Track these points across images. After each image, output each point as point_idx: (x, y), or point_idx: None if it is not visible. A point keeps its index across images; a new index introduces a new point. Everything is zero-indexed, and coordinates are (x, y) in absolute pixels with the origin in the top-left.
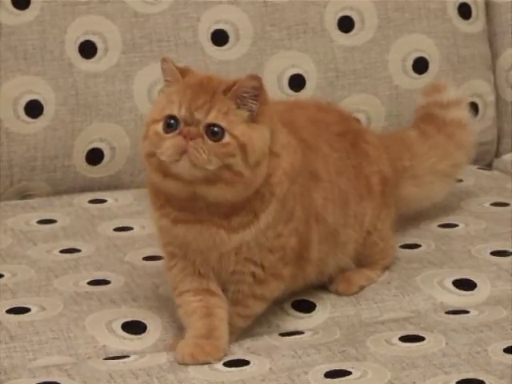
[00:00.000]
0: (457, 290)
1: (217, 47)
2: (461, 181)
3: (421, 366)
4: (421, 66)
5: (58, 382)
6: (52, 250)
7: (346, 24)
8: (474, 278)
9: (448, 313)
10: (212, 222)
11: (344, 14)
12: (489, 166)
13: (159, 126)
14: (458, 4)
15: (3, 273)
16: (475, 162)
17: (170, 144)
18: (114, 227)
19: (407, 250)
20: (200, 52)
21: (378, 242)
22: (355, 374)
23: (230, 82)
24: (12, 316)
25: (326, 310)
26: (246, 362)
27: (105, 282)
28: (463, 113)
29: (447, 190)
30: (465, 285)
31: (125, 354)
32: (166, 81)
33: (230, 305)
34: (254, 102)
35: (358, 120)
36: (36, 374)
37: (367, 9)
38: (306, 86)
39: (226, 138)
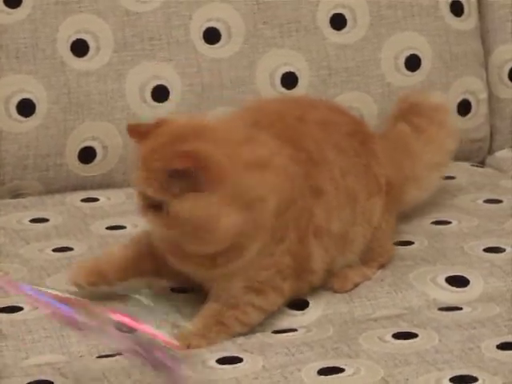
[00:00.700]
0: (450, 287)
1: (209, 45)
2: (453, 178)
3: (414, 363)
4: (413, 63)
5: (51, 380)
6: (44, 248)
7: (338, 22)
8: (467, 275)
9: (441, 309)
10: (196, 263)
11: (336, 11)
12: (482, 163)
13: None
14: (450, 1)
15: None
16: (468, 158)
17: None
18: (107, 226)
19: (400, 247)
20: (192, 50)
21: (380, 239)
22: (348, 370)
23: (174, 155)
24: (4, 315)
25: (319, 307)
26: (239, 360)
27: None
28: (445, 99)
29: (441, 178)
30: (458, 281)
31: (117, 353)
32: None
33: (228, 307)
34: (189, 183)
35: (366, 123)
36: (28, 373)
37: (359, 6)
38: (299, 83)
39: (169, 213)
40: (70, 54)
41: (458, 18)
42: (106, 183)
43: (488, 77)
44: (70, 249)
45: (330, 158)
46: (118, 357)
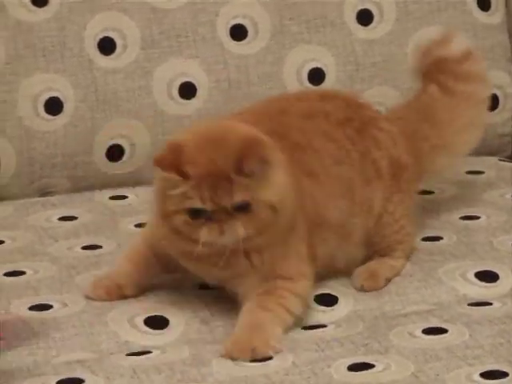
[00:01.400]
0: (479, 282)
1: (236, 42)
2: (482, 173)
3: (444, 359)
4: None
5: (82, 377)
6: (73, 246)
7: (365, 17)
8: (497, 270)
9: (471, 305)
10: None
11: (363, 6)
12: (510, 158)
13: (184, 216)
14: None
15: (25, 270)
16: (496, 153)
17: (207, 231)
18: (135, 223)
19: (429, 243)
20: (219, 47)
21: (392, 224)
22: (378, 366)
23: (235, 159)
24: (35, 313)
25: (349, 303)
26: (269, 357)
27: None
28: (467, 44)
29: (478, 137)
30: (487, 276)
31: (147, 350)
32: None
33: (265, 295)
34: (266, 167)
35: (370, 106)
36: (59, 371)
37: (386, 1)
38: (326, 79)
39: (254, 207)
40: (97, 52)
41: (485, 13)
42: (134, 181)
43: None
44: (99, 246)
45: (319, 147)
46: (148, 355)
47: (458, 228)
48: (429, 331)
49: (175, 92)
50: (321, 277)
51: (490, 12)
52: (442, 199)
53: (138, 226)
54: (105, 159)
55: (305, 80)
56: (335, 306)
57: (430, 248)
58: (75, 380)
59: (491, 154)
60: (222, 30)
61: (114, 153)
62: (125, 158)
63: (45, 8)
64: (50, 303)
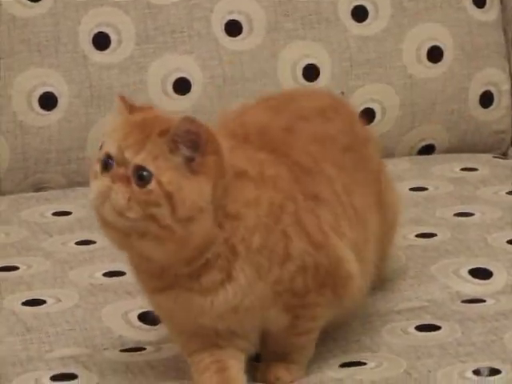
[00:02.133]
0: (473, 279)
1: (230, 38)
2: (476, 170)
3: (436, 355)
4: (435, 54)
5: (75, 373)
6: (67, 241)
7: (359, 13)
8: (491, 267)
9: (464, 302)
10: (181, 286)
11: (358, 3)
12: (504, 155)
13: (96, 166)
14: None
15: (19, 265)
16: (490, 150)
17: (95, 186)
18: None
19: (423, 239)
20: (213, 43)
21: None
22: (370, 364)
23: (169, 123)
24: (28, 308)
25: None
26: None
27: (120, 274)
28: None
29: None
30: (481, 273)
31: (141, 346)
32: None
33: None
34: (190, 150)
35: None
36: (52, 366)
37: None
38: (321, 76)
39: (152, 185)
40: (92, 48)
41: (480, 9)
42: None
43: (510, 68)
44: (93, 242)
45: (329, 173)
46: (141, 351)
47: (452, 225)
48: (422, 328)
49: (170, 87)
50: None
51: (485, 9)
52: (436, 196)
53: None
54: None
55: (299, 76)
56: None
57: (423, 245)
58: (68, 375)
59: (486, 151)
60: (217, 25)
61: None
62: None
63: (39, 3)
64: (44, 298)
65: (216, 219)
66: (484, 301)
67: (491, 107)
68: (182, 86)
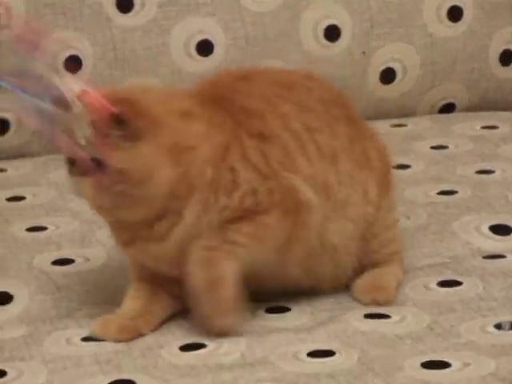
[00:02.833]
0: (494, 235)
1: None
2: (497, 127)
3: (458, 310)
4: (455, 13)
5: None
6: None
7: None
8: (511, 223)
9: (485, 258)
10: (142, 237)
11: None
12: None
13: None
14: None
15: (47, 225)
16: (510, 108)
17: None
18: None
19: (444, 197)
20: (236, 4)
21: (385, 230)
22: (394, 317)
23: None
24: (57, 267)
25: None
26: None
27: None
28: None
29: None
30: (502, 230)
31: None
32: None
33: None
34: (117, 130)
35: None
36: (82, 324)
37: None
38: (341, 36)
39: (110, 171)
40: (116, 10)
41: None
42: None
43: None
44: None
45: (284, 111)
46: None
47: (473, 182)
48: (443, 284)
49: (193, 50)
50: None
51: None
52: (457, 154)
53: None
54: None
55: (321, 37)
56: None
57: (445, 202)
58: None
59: (506, 109)
60: None
61: None
62: None
63: None
64: (72, 258)
65: (172, 160)
66: (505, 256)
67: (511, 65)
68: (204, 48)
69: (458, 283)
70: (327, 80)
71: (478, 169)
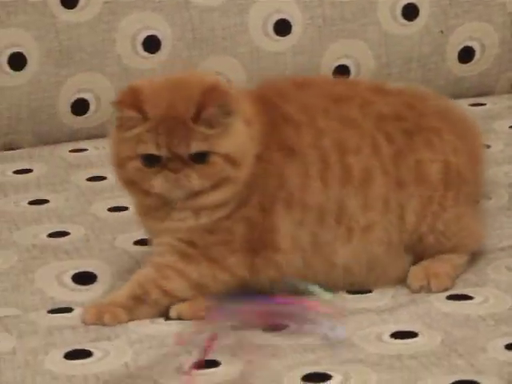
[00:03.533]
0: None
1: None
2: None
3: None
4: None
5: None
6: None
7: None
8: None
9: None
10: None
11: None
12: None
13: (137, 163)
14: None
15: (128, 206)
16: None
17: (161, 180)
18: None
19: None
20: None
21: (443, 241)
22: (477, 298)
23: (195, 106)
24: (139, 247)
25: None
26: None
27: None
28: None
29: None
30: None
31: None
32: (121, 125)
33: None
34: (226, 116)
35: (439, 116)
36: None
37: None
38: (420, 14)
39: (212, 158)
40: None
41: None
42: None
43: None
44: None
45: (321, 126)
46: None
47: None
48: None
49: (270, 29)
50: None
51: None
52: None
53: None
54: None
55: (399, 16)
56: None
57: None
58: None
59: None
60: None
61: None
62: None
63: None
64: None
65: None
66: None
67: None
68: (282, 28)
69: None
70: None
71: None
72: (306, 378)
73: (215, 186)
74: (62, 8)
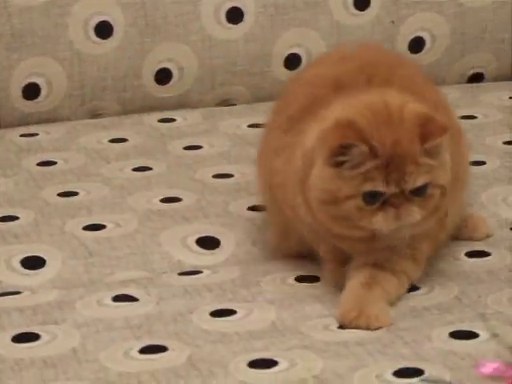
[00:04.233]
0: None
1: None
2: None
3: (486, 281)
4: None
5: (135, 295)
6: (124, 168)
7: None
8: None
9: None
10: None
11: None
12: None
13: (358, 201)
14: None
15: (78, 191)
16: None
17: (382, 216)
18: (184, 146)
19: (473, 167)
20: None
21: None
22: (423, 289)
23: (421, 140)
24: (89, 232)
25: None
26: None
27: (176, 200)
28: None
29: None
30: None
31: (198, 269)
32: (342, 162)
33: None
34: (442, 147)
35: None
36: (113, 288)
37: None
38: (371, 4)
39: (430, 190)
40: None
41: None
42: (181, 104)
43: None
44: (149, 168)
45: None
46: (199, 274)
47: (501, 153)
48: (472, 254)
49: (223, 17)
50: None
51: None
52: (485, 124)
53: (187, 148)
54: (153, 83)
55: (350, 6)
56: None
57: (473, 172)
58: (129, 297)
59: None
60: None
61: (162, 76)
62: (172, 82)
63: None
64: (104, 223)
65: None
66: None
67: None
68: (234, 15)
69: (486, 254)
70: None
71: (506, 139)
72: (252, 363)
73: (429, 215)
74: None
